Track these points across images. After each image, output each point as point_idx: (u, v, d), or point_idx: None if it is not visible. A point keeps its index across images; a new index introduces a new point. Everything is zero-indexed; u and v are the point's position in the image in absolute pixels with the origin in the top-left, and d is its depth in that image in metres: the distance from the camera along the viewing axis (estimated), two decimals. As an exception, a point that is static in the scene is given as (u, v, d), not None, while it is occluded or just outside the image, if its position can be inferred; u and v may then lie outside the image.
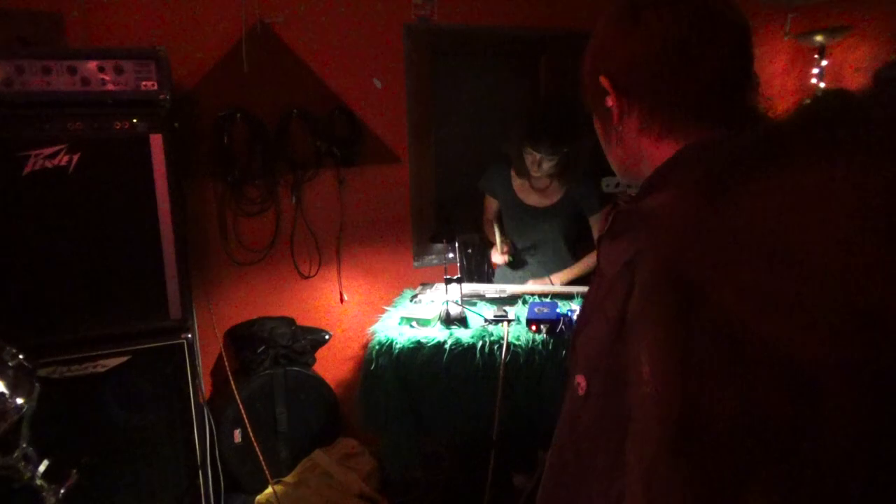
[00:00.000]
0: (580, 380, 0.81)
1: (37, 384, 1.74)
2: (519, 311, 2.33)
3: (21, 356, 1.73)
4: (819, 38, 3.08)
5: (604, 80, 0.86)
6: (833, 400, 0.53)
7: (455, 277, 2.35)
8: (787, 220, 0.58)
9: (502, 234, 2.85)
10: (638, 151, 0.87)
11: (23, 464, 1.69)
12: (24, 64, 2.08)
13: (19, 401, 1.64)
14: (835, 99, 0.71)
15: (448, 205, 3.45)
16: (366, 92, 3.12)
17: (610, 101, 0.86)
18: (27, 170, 2.10)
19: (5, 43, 2.38)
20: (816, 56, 3.18)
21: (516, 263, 2.88)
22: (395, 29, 3.13)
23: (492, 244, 2.92)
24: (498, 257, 2.84)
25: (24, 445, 1.71)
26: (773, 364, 0.55)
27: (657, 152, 0.83)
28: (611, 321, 0.73)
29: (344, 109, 3.07)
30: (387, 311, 2.48)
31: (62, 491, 1.79)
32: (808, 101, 0.75)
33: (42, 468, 1.74)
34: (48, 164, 2.12)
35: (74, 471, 1.83)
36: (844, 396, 0.53)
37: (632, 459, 0.65)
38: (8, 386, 1.62)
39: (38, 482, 1.72)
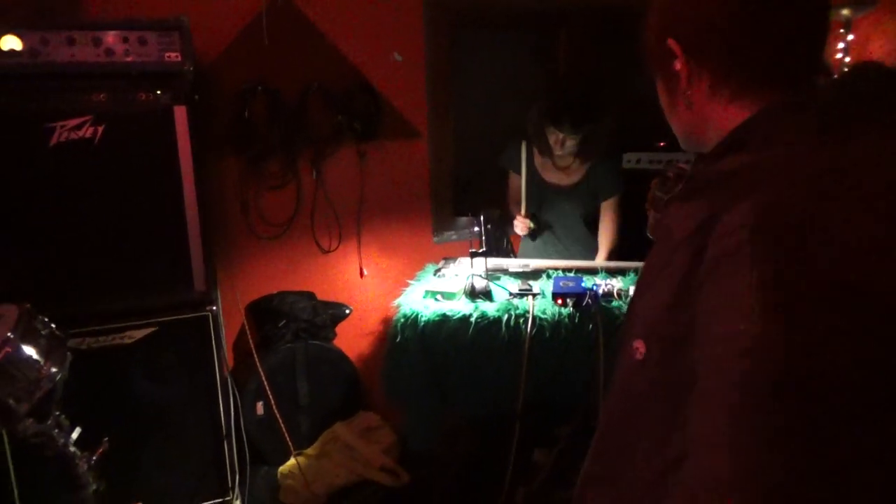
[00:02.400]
0: (638, 345, 0.80)
1: (68, 353, 1.76)
2: (543, 286, 2.32)
3: (53, 325, 1.75)
4: (845, 12, 3.02)
5: (672, 43, 0.83)
6: None
7: (480, 251, 2.34)
8: (882, 170, 0.58)
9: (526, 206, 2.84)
10: (705, 116, 0.84)
11: (56, 431, 1.71)
12: (48, 35, 2.07)
13: (53, 369, 1.66)
14: (876, 73, 0.71)
15: (468, 180, 3.44)
16: (385, 66, 3.09)
17: (678, 65, 0.83)
18: (53, 141, 2.10)
19: (29, 14, 2.37)
20: (842, 30, 3.12)
21: (537, 231, 2.87)
22: (416, 3, 3.09)
23: (513, 218, 2.91)
24: (520, 226, 2.82)
25: (58, 413, 1.73)
26: (885, 313, 0.55)
27: (726, 116, 0.81)
28: (676, 284, 0.72)
29: (364, 84, 3.04)
30: (410, 284, 2.48)
31: (94, 458, 1.81)
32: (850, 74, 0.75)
33: (74, 436, 1.77)
34: (74, 136, 2.12)
35: (106, 439, 1.86)
36: None
37: (703, 417, 0.64)
38: (41, 354, 1.64)
39: (72, 449, 1.75)
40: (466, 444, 2.67)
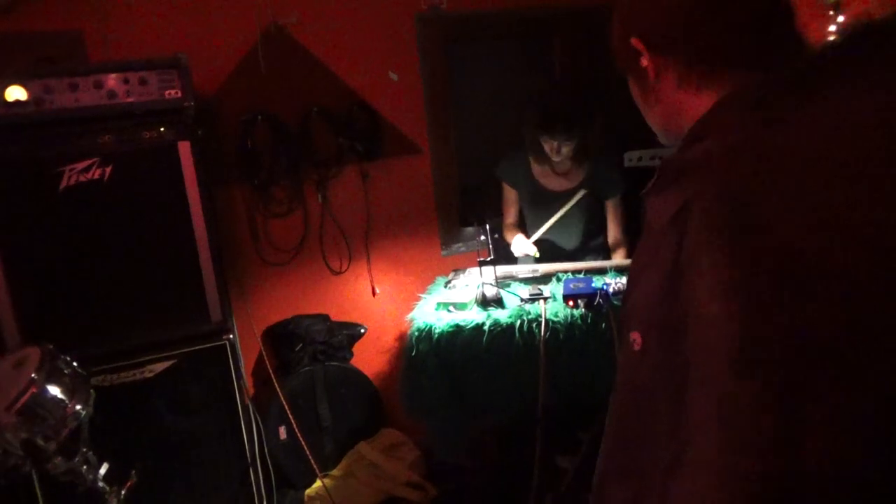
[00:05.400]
0: (635, 336, 0.82)
1: (92, 391, 1.79)
2: (554, 289, 2.34)
3: (75, 364, 1.78)
4: (835, -7, 3.03)
5: (636, 42, 0.86)
6: (884, 308, 0.58)
7: (489, 259, 2.36)
8: (833, 141, 0.62)
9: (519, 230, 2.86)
10: (678, 107, 0.87)
11: (85, 467, 1.74)
12: (51, 83, 2.12)
13: (78, 407, 1.69)
14: (862, 29, 0.74)
15: (472, 190, 3.46)
16: (383, 85, 3.14)
17: (644, 61, 0.87)
18: (63, 185, 2.15)
19: (31, 64, 2.43)
20: (832, 12, 3.13)
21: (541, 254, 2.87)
22: (407, 20, 3.14)
23: (508, 244, 2.90)
24: (519, 249, 2.80)
25: (85, 450, 1.76)
26: (828, 278, 0.58)
27: (698, 104, 0.84)
28: (662, 273, 0.74)
29: (362, 104, 3.09)
30: (421, 298, 2.50)
31: (123, 492, 1.83)
32: (837, 38, 0.78)
33: (103, 471, 1.80)
34: (83, 178, 2.17)
35: (134, 472, 1.88)
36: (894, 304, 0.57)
37: (696, 400, 0.66)
38: (66, 393, 1.67)
39: (101, 485, 1.77)
40: (490, 454, 2.67)
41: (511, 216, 2.95)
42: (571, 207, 2.80)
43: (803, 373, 0.58)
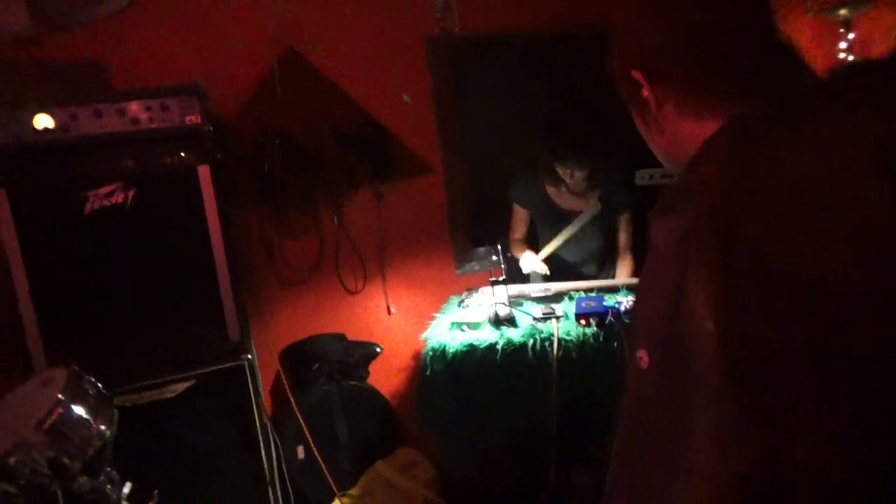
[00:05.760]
0: (642, 354, 0.85)
1: (115, 411, 1.83)
2: (566, 308, 2.36)
3: (99, 384, 1.83)
4: (843, 11, 3.05)
5: (636, 74, 0.90)
6: (855, 317, 0.62)
7: (501, 279, 2.39)
8: (808, 167, 0.68)
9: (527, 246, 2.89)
10: (680, 136, 0.90)
11: (109, 487, 1.78)
12: (77, 110, 2.20)
13: (102, 426, 1.73)
14: (851, 68, 0.80)
15: (485, 209, 3.50)
16: (396, 107, 3.19)
17: (645, 93, 0.90)
18: (88, 209, 2.21)
19: (58, 93, 2.51)
20: (842, 30, 3.15)
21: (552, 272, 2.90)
22: (419, 43, 3.20)
23: (517, 261, 2.93)
24: (528, 266, 2.83)
25: (109, 469, 1.80)
26: (799, 290, 0.64)
27: (698, 132, 0.87)
28: (667, 294, 0.77)
29: (376, 126, 3.14)
30: (436, 317, 2.54)
31: (146, 511, 1.87)
32: (827, 75, 0.83)
33: (126, 490, 1.84)
34: (106, 203, 2.23)
35: (156, 492, 1.92)
36: (864, 313, 0.62)
37: (692, 414, 0.70)
38: (91, 413, 1.72)
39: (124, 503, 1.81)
40: (504, 471, 2.68)
41: (518, 232, 2.99)
42: (586, 230, 2.83)
43: (785, 385, 0.62)
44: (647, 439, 0.87)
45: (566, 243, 2.84)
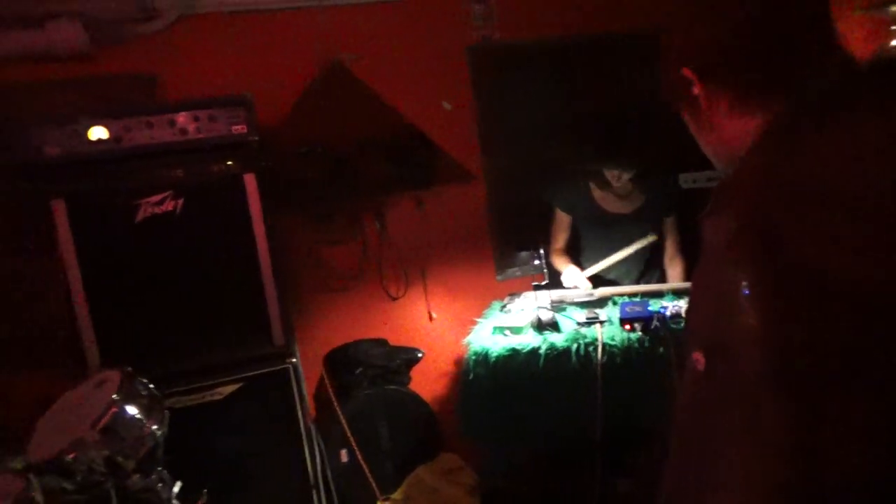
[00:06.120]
0: (697, 356, 0.83)
1: (166, 412, 1.88)
2: (610, 313, 2.34)
3: (151, 386, 1.88)
4: (894, 8, 2.97)
5: (687, 72, 0.89)
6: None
7: (543, 283, 2.38)
8: (849, 166, 0.67)
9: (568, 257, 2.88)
10: (730, 134, 0.89)
11: (160, 485, 1.83)
12: (129, 122, 2.27)
13: (154, 427, 1.78)
14: (891, 60, 0.78)
15: (526, 215, 3.49)
16: (436, 115, 3.22)
17: (696, 90, 0.89)
18: (139, 217, 2.28)
19: (111, 105, 2.61)
20: (894, 27, 3.05)
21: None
22: (459, 51, 3.23)
23: (558, 273, 2.90)
24: (570, 281, 2.79)
25: (160, 469, 1.85)
26: (840, 293, 0.63)
27: (748, 130, 0.86)
28: (721, 294, 0.76)
29: (417, 134, 3.17)
30: (478, 322, 2.53)
31: (195, 511, 1.92)
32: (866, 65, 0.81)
33: (176, 489, 1.88)
34: (157, 211, 2.30)
35: (205, 491, 1.96)
36: None
37: (749, 423, 0.69)
38: (143, 413, 1.77)
39: (175, 502, 1.85)
40: (548, 478, 2.65)
41: (560, 241, 2.96)
42: (632, 233, 2.78)
43: (825, 386, 0.61)
44: (704, 443, 0.85)
45: (614, 265, 2.80)
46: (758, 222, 0.70)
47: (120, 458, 1.68)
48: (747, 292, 0.68)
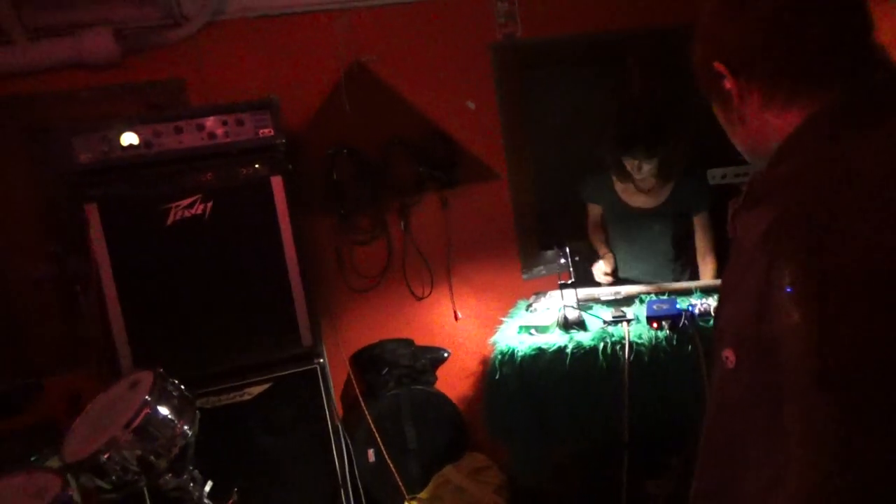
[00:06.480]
0: (728, 353, 0.82)
1: (197, 412, 1.91)
2: (637, 311, 2.31)
3: (182, 387, 1.92)
4: (931, -5, 2.89)
5: (718, 66, 0.88)
6: None
7: (569, 282, 2.37)
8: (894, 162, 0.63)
9: (607, 247, 2.86)
10: (763, 128, 0.88)
11: (192, 485, 1.86)
12: (159, 127, 2.32)
13: (185, 427, 1.81)
14: None
15: (551, 214, 3.48)
16: (460, 114, 3.22)
17: (728, 84, 0.88)
18: (170, 221, 2.33)
19: (141, 111, 2.66)
20: (931, 15, 2.97)
21: (616, 278, 2.86)
22: (483, 50, 3.23)
23: (596, 253, 2.91)
24: (601, 276, 2.82)
25: (192, 468, 1.88)
26: (893, 285, 0.60)
27: (782, 124, 0.84)
28: (754, 291, 0.75)
29: (441, 134, 3.18)
30: (504, 321, 2.53)
31: (226, 509, 1.95)
32: None
33: (207, 488, 1.91)
34: (187, 214, 2.34)
35: (236, 490, 1.99)
36: None
37: (789, 417, 0.67)
38: (175, 414, 1.80)
39: (206, 501, 1.89)
40: (575, 479, 2.64)
41: (595, 219, 2.97)
42: (654, 229, 2.77)
43: (880, 384, 0.59)
44: (734, 443, 0.85)
45: (639, 248, 2.79)
46: (801, 216, 0.68)
47: (152, 458, 1.71)
48: (790, 290, 0.66)
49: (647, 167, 2.58)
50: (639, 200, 2.78)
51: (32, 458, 2.03)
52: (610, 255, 2.88)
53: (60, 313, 2.70)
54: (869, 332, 0.61)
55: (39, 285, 2.67)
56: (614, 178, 2.79)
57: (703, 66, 0.92)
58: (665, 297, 2.38)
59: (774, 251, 0.70)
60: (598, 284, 2.85)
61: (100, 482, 1.70)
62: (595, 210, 2.97)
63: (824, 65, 0.82)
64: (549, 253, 3.44)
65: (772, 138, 0.86)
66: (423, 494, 2.95)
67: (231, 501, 1.98)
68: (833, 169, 0.70)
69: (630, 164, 2.59)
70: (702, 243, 2.79)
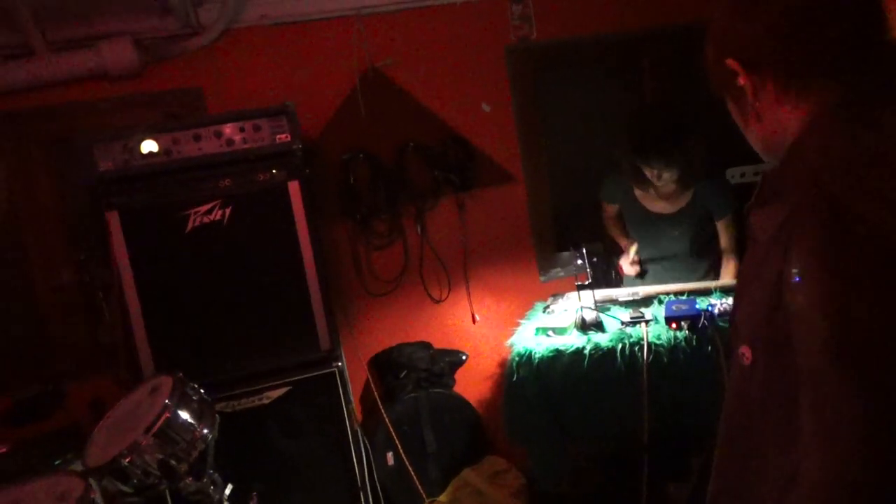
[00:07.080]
0: (745, 350, 0.82)
1: (217, 416, 1.93)
2: (655, 312, 2.29)
3: (202, 391, 1.94)
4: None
5: (731, 63, 0.88)
6: None
7: (587, 283, 2.35)
8: None
9: (631, 240, 2.83)
10: (778, 123, 0.88)
11: (212, 488, 1.88)
12: (178, 135, 2.35)
13: (205, 431, 1.83)
14: None
15: (567, 215, 3.47)
16: (475, 117, 3.22)
17: (742, 81, 0.88)
18: (189, 227, 2.35)
19: (160, 119, 2.70)
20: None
21: (643, 272, 2.83)
22: (497, 52, 3.23)
23: (618, 246, 2.90)
24: (628, 268, 2.79)
25: (212, 472, 1.90)
26: None
27: (797, 118, 0.84)
28: (769, 286, 0.75)
29: (456, 137, 3.18)
30: (521, 323, 2.52)
31: (246, 512, 1.96)
32: None
33: (227, 491, 1.93)
34: (206, 220, 2.36)
35: (255, 493, 2.00)
36: None
37: (805, 408, 0.66)
38: (195, 417, 1.82)
39: (226, 504, 1.90)
40: (594, 481, 2.62)
41: (611, 213, 2.96)
42: (676, 234, 2.73)
43: (889, 364, 0.58)
44: (751, 439, 0.84)
45: (662, 249, 2.76)
46: (817, 200, 0.68)
47: (173, 462, 1.73)
48: (798, 279, 0.66)
49: (667, 174, 2.54)
50: (658, 206, 2.74)
51: (56, 463, 2.06)
52: (632, 243, 2.83)
53: (83, 320, 2.75)
54: (884, 310, 0.60)
55: (63, 292, 2.71)
56: (632, 184, 2.76)
57: (716, 64, 0.92)
58: (684, 298, 2.36)
59: (792, 237, 0.70)
60: (618, 284, 2.83)
61: (122, 486, 1.72)
62: (611, 206, 2.94)
63: (837, 58, 0.82)
64: (566, 254, 3.42)
65: (786, 133, 0.86)
66: (442, 498, 2.95)
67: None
68: (853, 153, 0.70)
69: (650, 172, 2.55)
70: (726, 245, 2.75)
